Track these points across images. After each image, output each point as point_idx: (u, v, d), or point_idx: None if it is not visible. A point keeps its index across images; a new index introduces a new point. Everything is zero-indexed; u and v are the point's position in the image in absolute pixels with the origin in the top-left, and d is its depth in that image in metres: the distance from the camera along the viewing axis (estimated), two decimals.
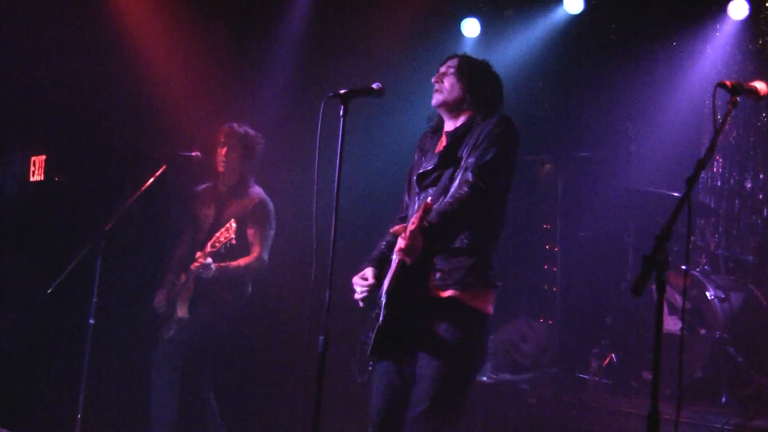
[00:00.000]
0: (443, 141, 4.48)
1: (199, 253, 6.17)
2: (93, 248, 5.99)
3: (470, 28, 8.87)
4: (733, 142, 7.97)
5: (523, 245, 8.98)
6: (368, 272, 4.40)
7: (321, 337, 3.98)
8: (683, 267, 6.72)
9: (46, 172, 8.14)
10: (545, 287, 8.67)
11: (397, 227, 4.11)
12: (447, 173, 4.30)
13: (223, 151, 6.55)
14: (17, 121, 7.80)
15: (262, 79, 8.40)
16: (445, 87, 4.46)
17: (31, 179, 8.18)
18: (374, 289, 4.31)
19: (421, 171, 4.42)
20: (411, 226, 3.98)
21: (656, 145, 8.07)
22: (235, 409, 7.27)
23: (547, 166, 8.73)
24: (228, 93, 8.13)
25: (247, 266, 6.41)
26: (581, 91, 8.74)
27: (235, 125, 6.61)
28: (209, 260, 6.12)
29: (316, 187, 4.02)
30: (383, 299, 4.19)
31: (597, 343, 7.30)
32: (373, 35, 8.44)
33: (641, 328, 6.91)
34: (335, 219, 3.93)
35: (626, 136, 7.92)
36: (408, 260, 4.02)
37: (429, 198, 4.12)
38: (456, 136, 4.39)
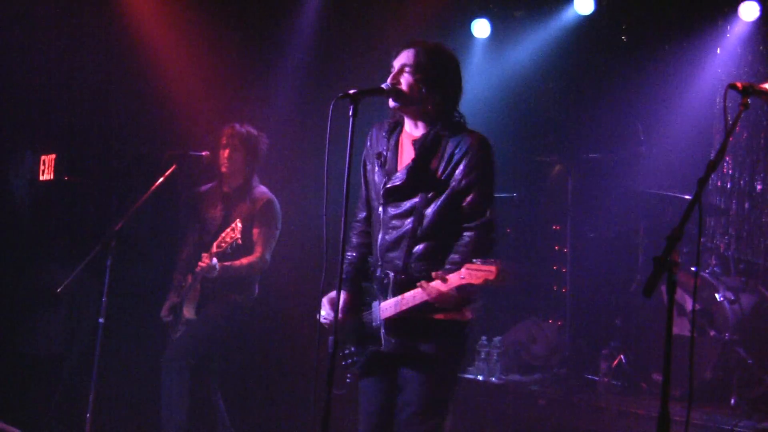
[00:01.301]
0: (407, 149, 4.34)
1: (204, 254, 6.17)
2: (103, 248, 6.00)
3: (480, 28, 8.87)
4: (744, 143, 7.95)
5: (533, 246, 8.97)
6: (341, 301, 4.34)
7: (331, 338, 3.97)
8: (693, 268, 6.71)
9: (55, 171, 8.15)
10: (555, 288, 8.66)
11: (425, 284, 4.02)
12: (420, 193, 4.20)
13: (225, 153, 6.52)
14: (27, 120, 7.82)
15: (272, 80, 8.41)
16: (403, 89, 4.21)
17: (41, 178, 8.20)
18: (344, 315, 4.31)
19: (389, 186, 4.29)
20: (459, 280, 3.91)
21: (666, 147, 8.06)
22: (243, 410, 7.27)
23: (557, 167, 8.72)
24: (238, 93, 8.14)
25: (249, 266, 6.40)
26: (591, 92, 8.73)
27: (237, 125, 6.58)
28: (214, 260, 6.12)
29: (326, 187, 3.99)
30: (382, 324, 4.19)
31: (607, 345, 7.29)
32: (383, 35, 8.43)
33: (651, 330, 6.90)
34: (344, 220, 3.92)
35: (636, 138, 7.91)
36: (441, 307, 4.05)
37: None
38: (424, 149, 4.24)
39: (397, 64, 4.26)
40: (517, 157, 8.74)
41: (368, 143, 4.51)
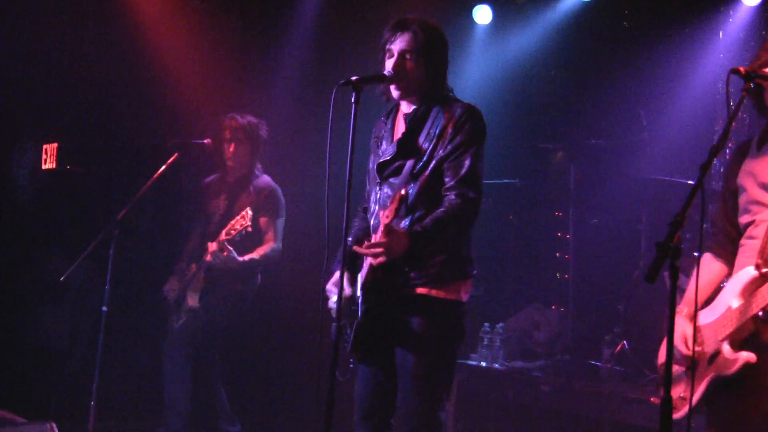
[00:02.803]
0: (401, 125, 4.38)
1: (210, 243, 6.21)
2: (106, 237, 6.00)
3: (482, 15, 8.84)
4: (746, 128, 7.93)
5: (536, 233, 8.97)
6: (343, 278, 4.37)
7: (334, 325, 3.98)
8: (696, 254, 6.69)
9: (58, 160, 8.15)
10: (558, 275, 8.65)
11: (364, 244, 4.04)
12: (409, 163, 4.21)
13: (231, 147, 6.57)
14: (30, 109, 7.81)
15: (274, 68, 8.40)
16: (406, 70, 4.23)
17: (44, 167, 8.20)
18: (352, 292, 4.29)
19: (380, 161, 4.34)
20: (385, 220, 3.93)
21: (669, 133, 8.04)
22: (245, 398, 7.29)
23: (560, 154, 8.71)
24: (240, 82, 8.13)
25: (263, 257, 6.45)
26: (594, 78, 8.71)
27: (238, 117, 6.60)
28: (234, 255, 6.17)
29: (327, 175, 4.00)
30: (359, 295, 4.20)
31: (609, 331, 7.29)
32: (384, 22, 8.41)
33: (654, 316, 6.90)
34: (347, 207, 3.92)
35: (639, 124, 7.89)
36: (382, 260, 3.98)
37: (402, 190, 4.00)
38: (414, 122, 4.28)
39: (395, 49, 4.26)
40: (519, 143, 8.74)
41: (372, 139, 4.56)
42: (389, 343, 4.24)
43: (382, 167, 4.33)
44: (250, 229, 6.11)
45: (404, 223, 4.16)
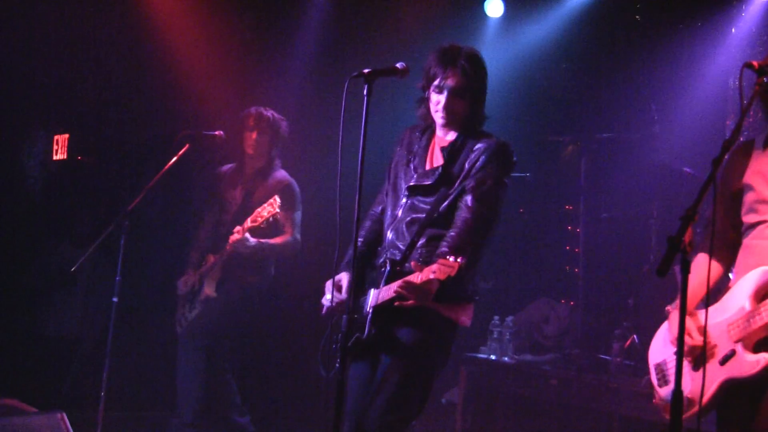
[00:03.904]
0: (436, 153, 4.46)
1: (237, 228, 6.23)
2: (117, 228, 6.02)
3: (494, 8, 8.80)
4: (759, 123, 7.89)
5: (546, 226, 8.96)
6: (344, 281, 4.41)
7: (344, 317, 3.98)
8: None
9: (68, 151, 8.17)
10: (567, 269, 8.64)
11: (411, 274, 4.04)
12: (440, 194, 4.30)
13: (254, 135, 6.61)
14: (41, 99, 7.83)
15: (286, 60, 8.40)
16: (455, 109, 4.36)
17: (54, 158, 8.22)
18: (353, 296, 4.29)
19: (413, 184, 4.41)
20: (430, 275, 3.89)
21: (680, 127, 8.02)
22: (255, 390, 7.31)
23: (570, 147, 8.69)
24: (252, 74, 8.14)
25: (283, 245, 6.50)
26: (605, 71, 8.69)
27: (262, 109, 6.67)
28: (247, 234, 6.19)
29: (339, 167, 3.99)
30: (370, 313, 4.23)
31: (619, 325, 7.27)
32: (397, 15, 8.42)
33: (664, 310, 6.88)
34: (358, 200, 3.91)
35: (650, 117, 7.86)
36: (415, 302, 4.03)
37: (459, 259, 3.87)
38: (452, 154, 4.37)
39: (447, 88, 4.34)
40: (530, 136, 8.71)
41: (399, 146, 4.63)
42: (379, 349, 4.29)
43: (414, 188, 4.40)
44: (279, 216, 6.15)
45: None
